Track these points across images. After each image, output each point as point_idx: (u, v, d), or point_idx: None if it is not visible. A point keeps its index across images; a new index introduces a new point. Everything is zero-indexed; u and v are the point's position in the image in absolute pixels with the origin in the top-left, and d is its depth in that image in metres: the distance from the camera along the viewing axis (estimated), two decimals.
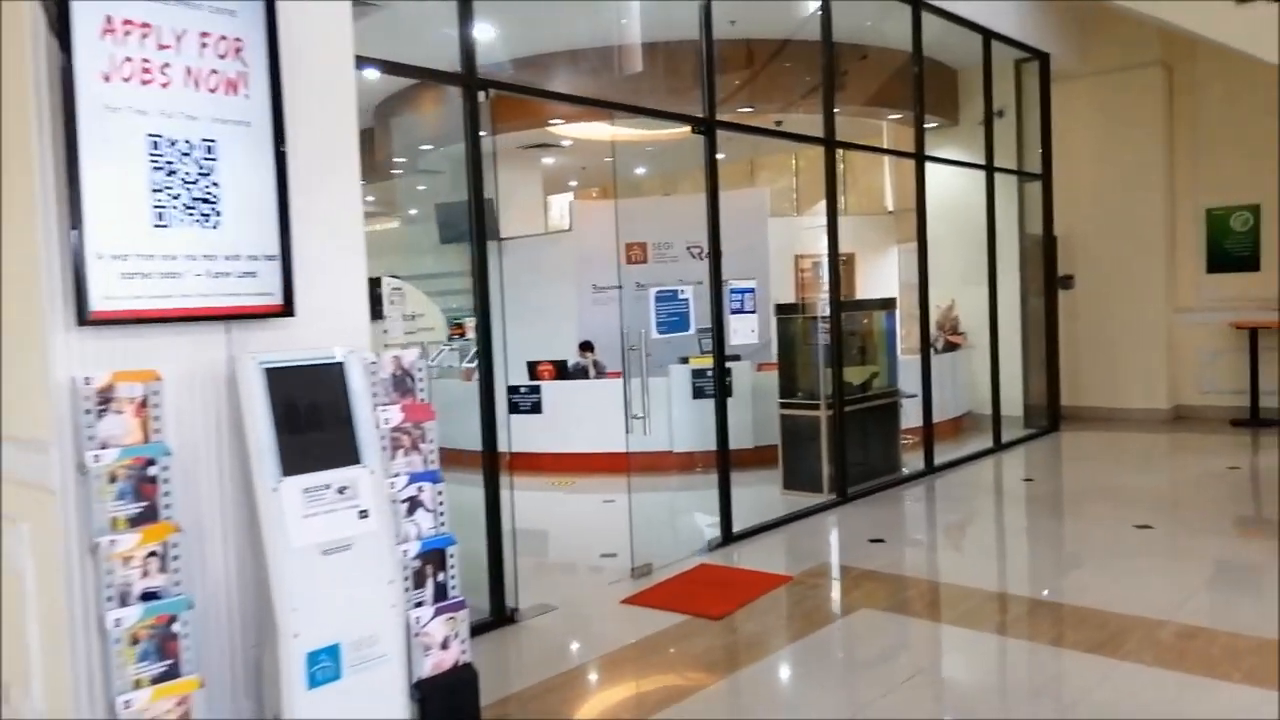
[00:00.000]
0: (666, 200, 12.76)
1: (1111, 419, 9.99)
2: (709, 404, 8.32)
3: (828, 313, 7.25)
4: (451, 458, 8.96)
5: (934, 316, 10.13)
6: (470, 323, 4.62)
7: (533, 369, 8.92)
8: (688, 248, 11.39)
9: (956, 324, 9.93)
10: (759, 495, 7.21)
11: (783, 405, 7.10)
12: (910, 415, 7.85)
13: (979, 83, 8.88)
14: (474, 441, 8.93)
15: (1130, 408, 9.97)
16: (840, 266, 12.49)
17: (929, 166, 10.34)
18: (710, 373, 8.27)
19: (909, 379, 7.84)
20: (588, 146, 13.04)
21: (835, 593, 4.82)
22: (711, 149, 5.59)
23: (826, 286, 12.86)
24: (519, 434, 9.01)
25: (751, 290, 5.91)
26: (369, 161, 11.21)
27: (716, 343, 5.67)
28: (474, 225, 4.48)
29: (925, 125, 9.95)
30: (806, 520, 6.37)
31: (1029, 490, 7.15)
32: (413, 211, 16.72)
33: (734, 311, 5.82)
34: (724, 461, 5.83)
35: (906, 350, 9.05)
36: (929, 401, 7.76)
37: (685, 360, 8.33)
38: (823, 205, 15.23)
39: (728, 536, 5.82)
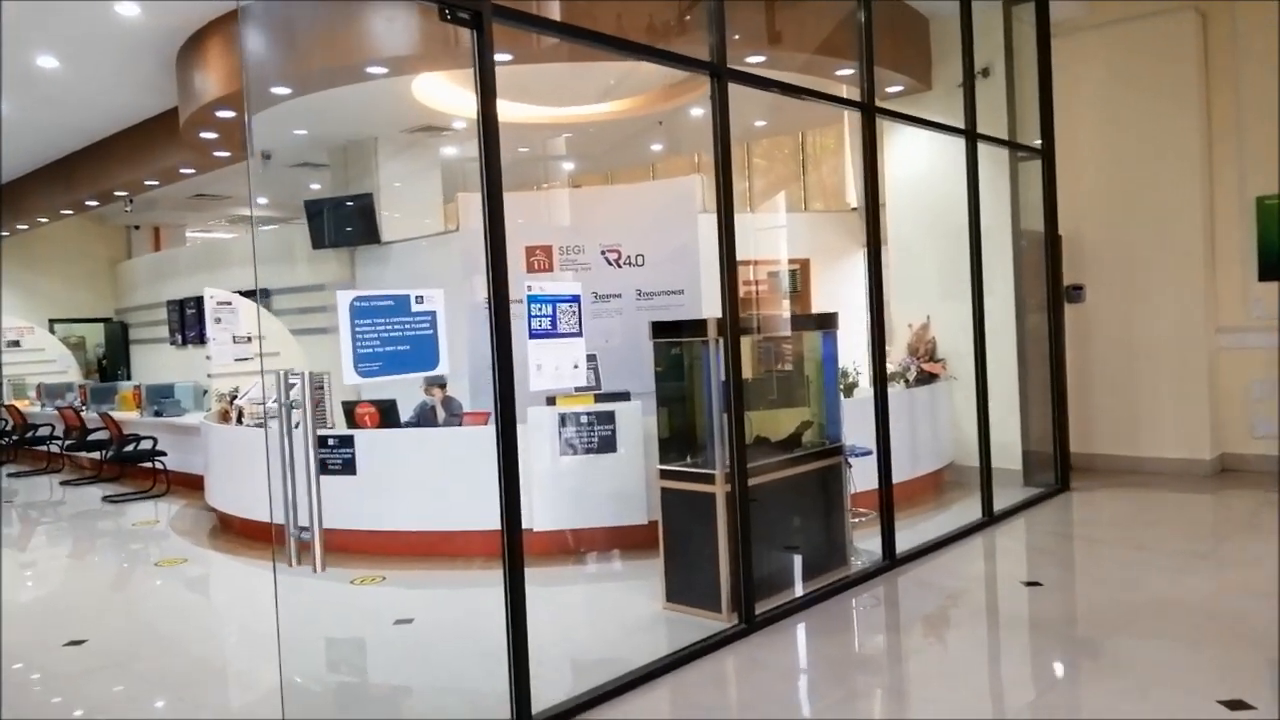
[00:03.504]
0: (578, 193, 10.41)
1: (1137, 472, 7.62)
2: (583, 463, 6.02)
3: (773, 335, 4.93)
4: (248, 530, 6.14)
5: (906, 338, 7.83)
6: None
7: (350, 412, 6.51)
8: (603, 252, 9.05)
9: (933, 348, 7.57)
10: (631, 609, 4.83)
11: (664, 475, 4.70)
12: (865, 475, 5.48)
13: (958, 39, 6.58)
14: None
15: (1161, 457, 7.60)
16: (783, 271, 10.32)
17: (892, 136, 8.13)
18: (585, 417, 5.97)
19: (862, 426, 5.47)
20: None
21: None
22: (483, 51, 3.20)
23: (786, 299, 10.57)
24: (330, 503, 6.59)
25: (573, 300, 3.53)
26: (170, 142, 8.83)
27: (499, 385, 3.26)
28: None
29: (890, 89, 7.70)
30: (677, 675, 3.94)
31: (1033, 605, 4.73)
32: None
33: (537, 335, 3.43)
34: (514, 588, 3.42)
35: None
36: (887, 461, 5.37)
37: (551, 401, 5.96)
38: (782, 199, 13.13)
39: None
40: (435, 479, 6.10)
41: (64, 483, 10.60)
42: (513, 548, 3.42)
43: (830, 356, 5.23)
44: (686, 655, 4.04)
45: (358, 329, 2.88)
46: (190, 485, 9.09)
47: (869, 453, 5.37)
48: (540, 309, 3.38)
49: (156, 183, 10.75)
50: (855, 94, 5.47)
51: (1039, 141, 7.31)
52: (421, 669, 4.41)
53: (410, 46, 6.02)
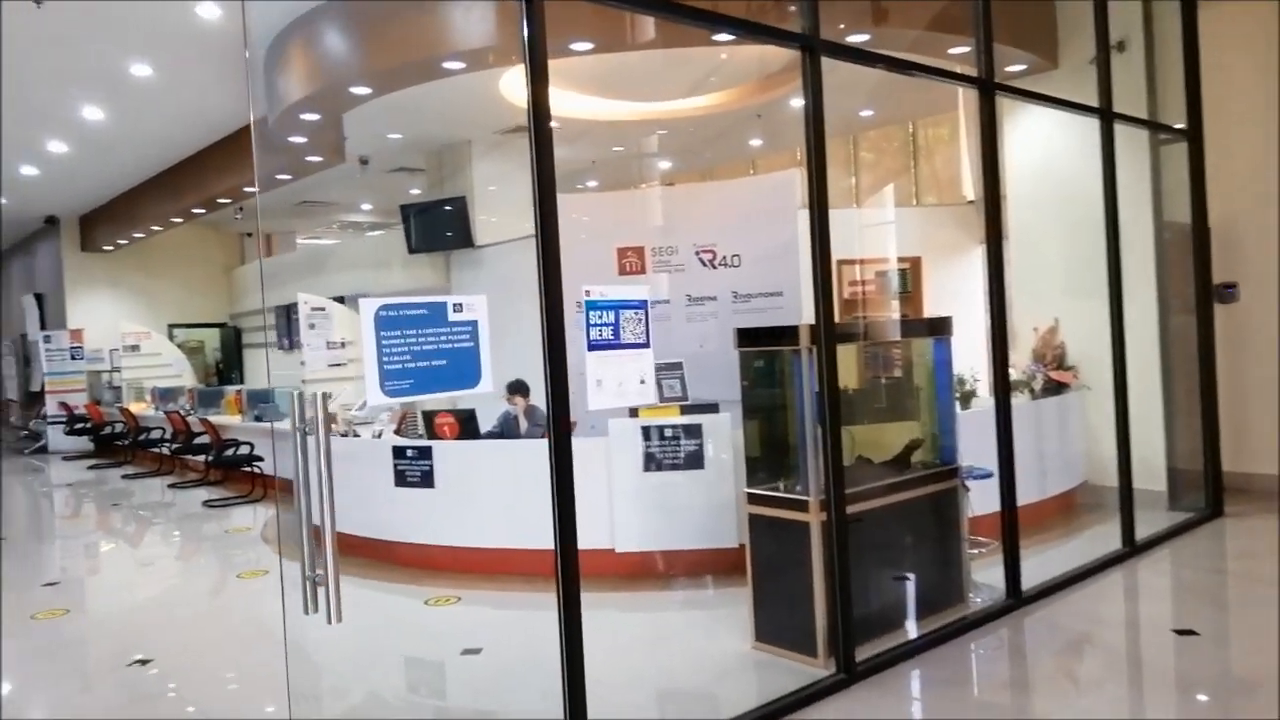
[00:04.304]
0: (671, 191, 9.98)
1: None
2: (668, 480, 5.58)
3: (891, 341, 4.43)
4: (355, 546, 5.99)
5: (1031, 343, 7.10)
6: None
7: (430, 423, 6.26)
8: (697, 252, 8.60)
9: (1063, 355, 6.83)
10: (716, 645, 4.37)
11: (751, 499, 4.21)
12: (985, 497, 4.85)
13: (1088, 12, 5.86)
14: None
15: None
16: (891, 269, 9.63)
17: (1012, 120, 7.36)
18: (670, 430, 5.53)
19: (980, 442, 4.84)
20: (592, 133, 10.40)
21: None
22: (532, 24, 2.80)
23: (894, 300, 9.89)
24: (408, 517, 6.41)
25: (640, 305, 3.09)
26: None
27: (552, 399, 2.86)
28: None
29: (1010, 68, 6.99)
30: None
31: (1185, 658, 4.04)
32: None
33: (597, 346, 3.01)
34: (569, 622, 3.00)
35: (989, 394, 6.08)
36: (1011, 482, 4.74)
37: (634, 412, 5.55)
38: (890, 193, 12.37)
39: None
40: (514, 493, 5.77)
41: (171, 485, 10.83)
42: (567, 579, 3.00)
43: (943, 364, 4.64)
44: (776, 709, 3.55)
45: (384, 342, 2.52)
46: (289, 491, 9.08)
47: (989, 475, 4.75)
48: (600, 316, 2.96)
49: (255, 189, 10.87)
50: (971, 74, 4.87)
51: (1184, 123, 6.48)
52: (482, 701, 4.06)
53: (485, 37, 5.72)
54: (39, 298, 16.62)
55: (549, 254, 2.77)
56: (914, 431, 4.64)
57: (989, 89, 4.71)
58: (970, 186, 9.51)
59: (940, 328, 4.65)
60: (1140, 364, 6.12)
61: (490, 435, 6.49)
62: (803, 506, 3.95)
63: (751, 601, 4.21)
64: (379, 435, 6.88)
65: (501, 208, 10.97)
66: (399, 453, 6.10)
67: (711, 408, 5.56)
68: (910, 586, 4.37)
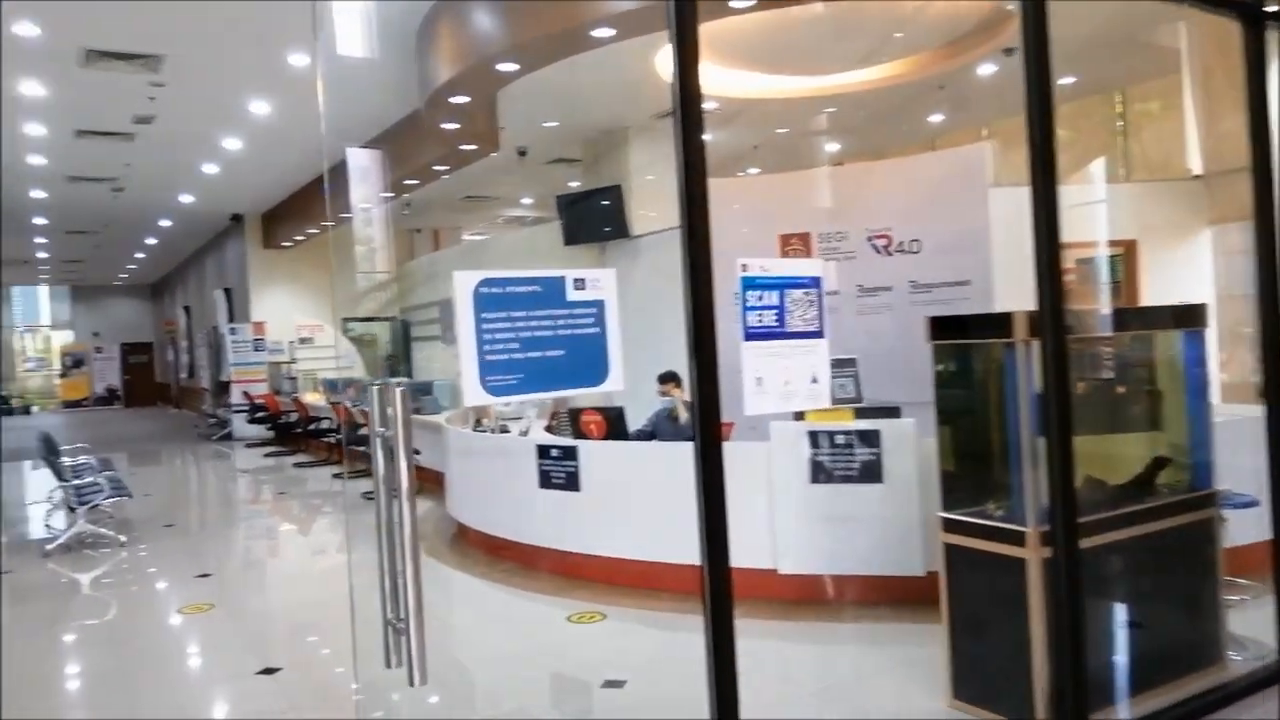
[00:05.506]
0: (841, 171, 9.16)
1: None
2: (840, 494, 4.86)
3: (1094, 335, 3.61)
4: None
5: None
6: None
7: (575, 421, 5.80)
8: (870, 238, 7.82)
9: None
10: (902, 698, 3.65)
11: (948, 526, 3.46)
12: (1244, 530, 3.89)
13: None
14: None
15: None
16: (1117, 257, 8.41)
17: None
18: (842, 437, 4.82)
19: (1236, 461, 3.87)
20: (752, 113, 9.74)
21: None
22: None
23: (1100, 289, 8.69)
24: (553, 521, 5.97)
25: (812, 283, 2.44)
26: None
27: (700, 400, 2.26)
28: None
29: (1265, 5, 5.81)
30: None
31: None
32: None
33: (756, 335, 2.38)
34: (722, 678, 2.39)
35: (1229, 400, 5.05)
36: None
37: (800, 415, 4.87)
38: (1099, 169, 10.99)
39: None
40: (666, 501, 5.21)
41: (335, 475, 10.98)
42: (719, 614, 2.39)
43: (1195, 364, 3.72)
44: None
45: (486, 326, 2.00)
46: (438, 484, 8.94)
47: (1254, 503, 3.78)
48: (760, 298, 2.33)
49: (416, 181, 10.85)
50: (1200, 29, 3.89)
51: None
52: None
53: None
54: (228, 292, 17.56)
55: (695, 231, 2.18)
56: (1156, 446, 3.74)
57: (1258, 19, 3.74)
58: (1197, 156, 8.21)
59: (1191, 318, 3.72)
60: None
61: (640, 435, 5.97)
62: (1018, 539, 3.17)
63: (948, 649, 3.47)
64: (526, 433, 6.50)
65: (659, 196, 10.49)
66: (543, 452, 5.68)
67: (892, 411, 4.81)
68: (1155, 641, 3.50)
